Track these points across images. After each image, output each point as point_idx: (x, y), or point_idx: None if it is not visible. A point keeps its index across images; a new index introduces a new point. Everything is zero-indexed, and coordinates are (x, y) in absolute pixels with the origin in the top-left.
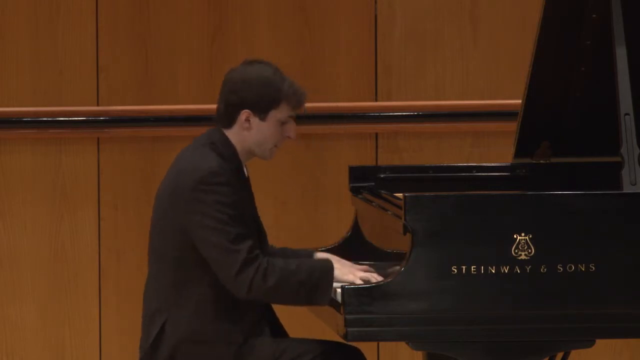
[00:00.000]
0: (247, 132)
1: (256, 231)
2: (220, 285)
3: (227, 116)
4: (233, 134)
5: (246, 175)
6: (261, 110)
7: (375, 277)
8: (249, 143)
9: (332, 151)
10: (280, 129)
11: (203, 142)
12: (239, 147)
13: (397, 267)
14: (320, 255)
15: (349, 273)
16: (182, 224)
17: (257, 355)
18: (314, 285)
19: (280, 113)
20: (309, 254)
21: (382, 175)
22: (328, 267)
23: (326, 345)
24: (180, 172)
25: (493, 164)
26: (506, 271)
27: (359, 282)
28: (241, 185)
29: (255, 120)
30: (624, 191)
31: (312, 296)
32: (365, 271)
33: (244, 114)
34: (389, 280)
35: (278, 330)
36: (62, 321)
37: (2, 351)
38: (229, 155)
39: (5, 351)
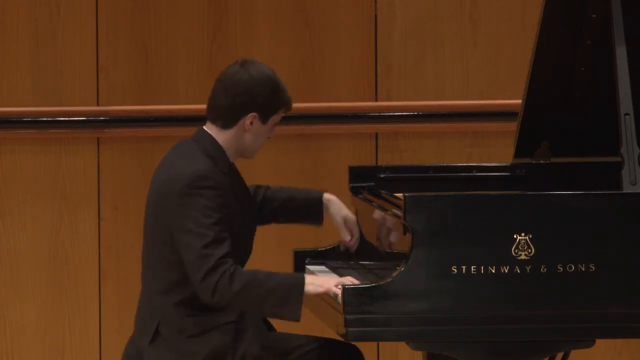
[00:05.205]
0: (246, 134)
1: (246, 229)
2: None
3: (230, 117)
4: (228, 135)
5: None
6: (266, 114)
7: (349, 280)
8: (243, 144)
9: (332, 151)
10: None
11: (191, 145)
12: (231, 147)
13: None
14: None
15: (323, 283)
16: (171, 227)
17: (258, 340)
18: (283, 295)
19: (277, 117)
20: (309, 194)
21: (382, 175)
22: (299, 279)
23: (326, 341)
24: (169, 176)
25: (493, 164)
26: (506, 271)
27: (334, 290)
28: (236, 185)
29: (257, 123)
30: (624, 191)
31: (280, 306)
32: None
33: (251, 117)
34: (389, 280)
35: (269, 327)
36: (62, 321)
37: (2, 351)
38: (219, 158)
39: (5, 351)
